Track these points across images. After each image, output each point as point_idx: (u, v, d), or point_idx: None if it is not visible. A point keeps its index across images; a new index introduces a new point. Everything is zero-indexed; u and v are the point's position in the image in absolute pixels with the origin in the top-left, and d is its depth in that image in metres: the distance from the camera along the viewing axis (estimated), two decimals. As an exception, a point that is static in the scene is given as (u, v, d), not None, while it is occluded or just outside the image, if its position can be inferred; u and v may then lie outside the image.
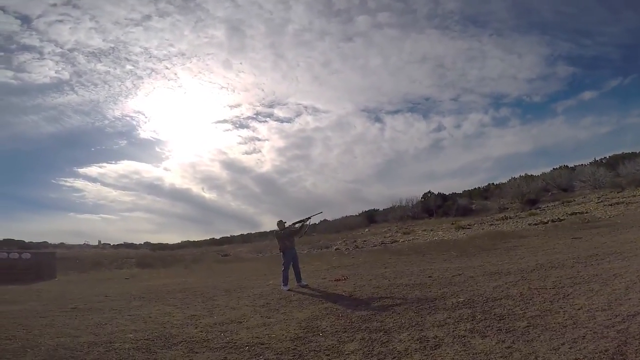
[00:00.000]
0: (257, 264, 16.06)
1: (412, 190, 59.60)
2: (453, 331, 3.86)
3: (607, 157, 30.07)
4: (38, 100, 46.21)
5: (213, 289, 8.24)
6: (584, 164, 31.27)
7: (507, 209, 24.81)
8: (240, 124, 57.29)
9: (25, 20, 44.44)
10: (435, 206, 26.76)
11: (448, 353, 3.35)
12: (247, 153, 54.29)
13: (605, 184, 24.64)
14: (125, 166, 51.36)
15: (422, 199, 28.17)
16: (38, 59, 42.27)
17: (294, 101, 54.08)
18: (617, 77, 43.33)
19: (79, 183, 48.85)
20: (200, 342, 4.26)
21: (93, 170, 49.94)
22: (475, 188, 32.55)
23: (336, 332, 4.27)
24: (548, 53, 43.86)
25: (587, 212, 16.02)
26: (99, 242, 38.22)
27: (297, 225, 8.18)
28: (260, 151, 54.08)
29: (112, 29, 49.39)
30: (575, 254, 7.42)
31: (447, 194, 29.13)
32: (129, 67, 49.20)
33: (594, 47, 44.20)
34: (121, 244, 37.94)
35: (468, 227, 18.95)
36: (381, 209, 31.93)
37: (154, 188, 54.73)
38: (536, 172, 30.47)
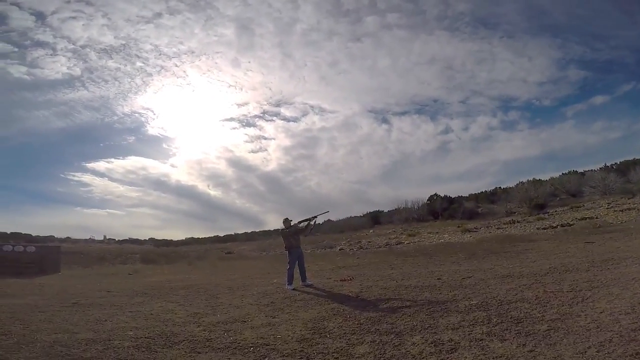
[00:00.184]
0: (261, 262, 15.92)
1: (417, 193, 59.34)
2: (469, 334, 3.68)
3: (618, 162, 29.61)
4: (49, 95, 46.99)
5: (216, 287, 8.10)
6: (593, 169, 30.86)
7: (515, 213, 24.50)
8: (247, 123, 57.49)
9: (40, 16, 45.09)
10: (441, 209, 26.51)
11: (466, 357, 3.17)
12: (253, 151, 54.41)
13: (615, 190, 24.24)
14: (132, 162, 51.96)
15: (428, 202, 27.94)
16: (51, 55, 42.87)
17: (300, 100, 54.16)
18: (630, 82, 42.75)
19: (86, 178, 49.52)
20: (203, 342, 4.10)
21: (101, 165, 50.64)
22: (482, 192, 32.33)
23: (344, 334, 4.08)
24: (560, 56, 43.37)
25: (597, 218, 15.70)
26: (104, 237, 38.48)
27: (303, 224, 8.02)
28: (266, 150, 54.18)
29: (124, 26, 49.86)
30: (589, 258, 7.20)
31: (453, 196, 28.84)
32: (139, 64, 49.77)
33: (607, 51, 43.55)
34: (126, 240, 38.15)
35: (475, 230, 18.70)
36: (386, 210, 31.77)
37: (160, 184, 55.15)
38: (544, 177, 30.15)
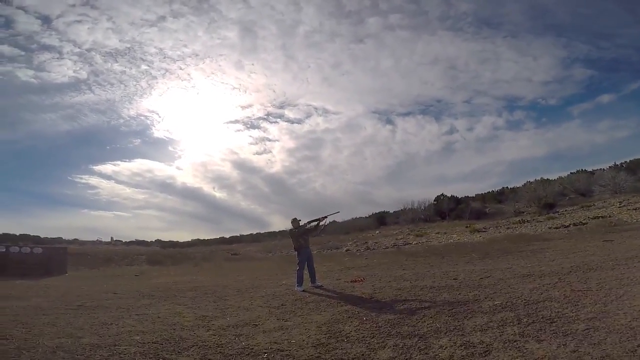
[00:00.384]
0: (268, 263, 15.72)
1: (422, 193, 58.96)
2: (500, 335, 3.45)
3: (628, 161, 29.09)
4: (56, 98, 47.24)
5: (224, 288, 7.90)
6: (602, 168, 30.37)
7: (523, 212, 24.11)
8: (251, 125, 57.43)
9: (46, 20, 45.30)
10: (448, 209, 26.16)
11: (502, 359, 2.94)
12: (257, 153, 54.34)
13: (626, 189, 23.79)
14: (138, 164, 52.15)
15: (435, 202, 27.59)
16: (57, 58, 43.15)
17: (304, 102, 53.96)
18: (637, 80, 42.08)
19: (93, 180, 49.82)
20: (214, 347, 3.87)
21: (107, 168, 50.86)
22: (489, 191, 31.91)
23: (363, 337, 3.85)
24: (564, 55, 42.83)
25: (610, 216, 15.33)
26: (112, 238, 38.49)
27: (312, 224, 7.80)
28: (270, 152, 54.07)
29: (128, 29, 50.27)
30: (611, 256, 6.92)
31: (460, 197, 28.48)
32: (144, 67, 49.82)
33: (613, 50, 43.01)
34: (133, 241, 38.10)
35: (484, 230, 18.35)
36: (391, 211, 31.44)
37: (166, 186, 55.30)
38: (552, 177, 29.65)
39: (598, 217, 15.42)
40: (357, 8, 50.50)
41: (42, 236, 34.46)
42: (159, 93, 53.49)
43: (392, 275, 7.87)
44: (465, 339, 3.47)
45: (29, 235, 33.92)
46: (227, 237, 39.21)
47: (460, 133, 50.08)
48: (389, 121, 52.49)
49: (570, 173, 31.55)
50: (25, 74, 42.11)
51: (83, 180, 49.86)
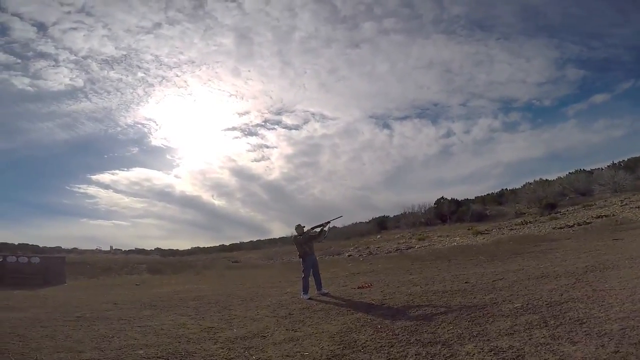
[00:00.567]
0: (269, 270, 15.47)
1: (421, 197, 58.84)
2: (529, 339, 3.26)
3: (626, 159, 29.13)
4: (53, 107, 46.97)
5: (228, 297, 7.66)
6: (600, 167, 30.41)
7: (525, 213, 24.02)
8: (249, 132, 57.24)
9: (41, 27, 45.09)
10: (449, 212, 25.98)
11: (539, 364, 2.76)
12: (255, 160, 54.16)
13: (626, 187, 23.78)
14: (137, 173, 51.84)
15: (435, 205, 27.43)
16: (53, 66, 42.86)
17: (301, 108, 53.87)
18: (629, 80, 42.47)
19: (92, 190, 49.46)
20: (223, 361, 3.66)
21: (106, 177, 50.66)
22: (489, 194, 31.78)
23: (381, 347, 3.64)
24: (557, 56, 43.19)
25: (614, 215, 15.25)
26: (111, 247, 37.93)
27: (316, 230, 7.63)
28: (268, 158, 53.89)
29: (124, 36, 50.04)
30: (626, 254, 6.78)
31: (460, 199, 28.33)
32: (140, 74, 49.56)
33: (604, 50, 43.36)
34: (132, 250, 37.63)
35: (486, 232, 18.23)
36: (392, 215, 31.25)
37: (165, 195, 54.97)
38: (549, 177, 29.63)
39: (601, 217, 15.34)
40: (352, 13, 50.92)
41: (40, 245, 34.11)
42: (155, 101, 53.33)
43: (400, 280, 7.68)
44: (492, 344, 3.28)
45: (28, 244, 33.57)
46: (227, 244, 38.86)
47: (457, 136, 50.17)
48: (386, 125, 52.54)
49: (569, 173, 31.54)
50: (21, 82, 41.86)
51: (81, 190, 49.59)
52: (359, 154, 55.45)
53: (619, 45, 42.23)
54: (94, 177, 54.02)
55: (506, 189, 31.51)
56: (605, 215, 15.39)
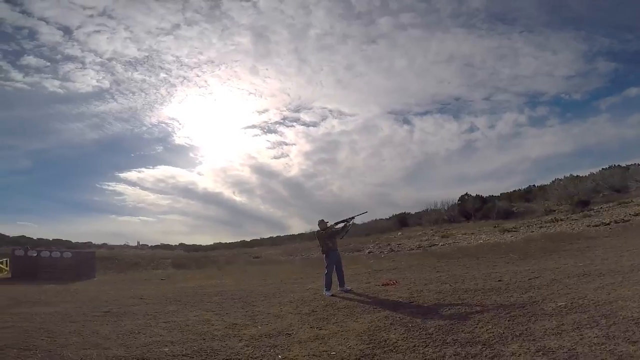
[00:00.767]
0: (290, 266, 15.41)
1: (443, 194, 57.41)
2: (580, 339, 3.00)
3: (665, 154, 27.32)
4: (82, 108, 48.75)
5: (251, 293, 7.62)
6: (636, 163, 28.65)
7: (555, 211, 22.93)
8: (268, 129, 57.37)
9: (67, 31, 46.68)
10: (474, 209, 25.15)
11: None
12: (275, 157, 54.32)
13: (665, 183, 22.31)
14: (162, 171, 53.25)
15: (459, 202, 26.62)
16: (80, 68, 44.32)
17: (319, 105, 53.50)
18: (666, 73, 39.72)
19: (120, 187, 51.33)
20: (249, 360, 3.54)
21: (133, 175, 52.17)
22: (515, 190, 30.57)
23: (414, 347, 3.44)
24: (586, 49, 40.80)
25: (655, 212, 14.26)
26: (138, 243, 39.08)
27: (339, 225, 7.47)
28: (288, 155, 53.96)
29: (145, 38, 51.13)
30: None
31: (485, 196, 27.37)
32: (162, 75, 50.61)
33: (636, 42, 40.73)
34: (158, 245, 38.47)
35: (514, 230, 17.46)
36: (413, 212, 30.59)
37: (188, 192, 56.12)
38: (581, 173, 28.15)
39: (641, 214, 14.36)
40: (367, 9, 49.83)
41: (73, 241, 35.50)
42: (178, 100, 54.35)
43: (427, 278, 7.39)
44: (538, 344, 3.02)
45: (62, 240, 35.09)
46: (248, 240, 39.20)
47: (481, 131, 48.30)
48: (406, 121, 51.32)
49: (602, 169, 29.96)
50: (52, 85, 43.61)
51: (110, 187, 51.42)
52: (378, 150, 54.60)
53: (654, 37, 39.65)
54: (122, 175, 55.90)
55: (534, 185, 30.29)
56: (645, 212, 14.41)
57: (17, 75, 40.98)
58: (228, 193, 56.79)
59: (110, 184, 53.17)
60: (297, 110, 52.23)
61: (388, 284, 7.21)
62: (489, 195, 28.10)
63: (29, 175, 52.09)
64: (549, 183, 29.11)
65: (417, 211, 30.12)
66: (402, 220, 29.27)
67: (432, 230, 23.40)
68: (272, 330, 4.55)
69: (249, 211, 55.37)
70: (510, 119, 46.00)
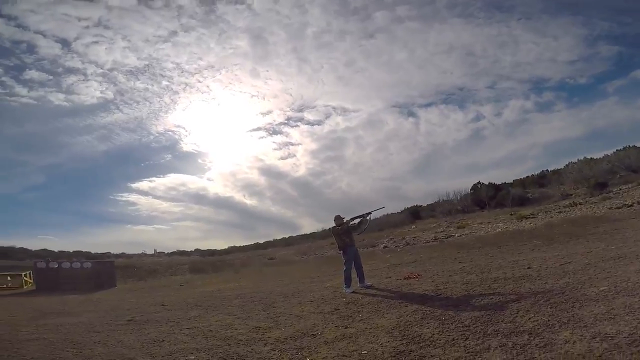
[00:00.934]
0: (305, 265, 15.32)
1: (454, 184, 56.93)
2: (638, 323, 2.77)
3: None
4: (89, 120, 49.64)
5: (270, 294, 7.50)
6: (651, 143, 27.82)
7: (572, 195, 22.38)
8: (273, 131, 57.47)
9: (65, 43, 47.15)
10: (487, 197, 24.70)
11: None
12: (282, 158, 54.49)
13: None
14: (172, 179, 54.01)
15: (472, 191, 26.17)
16: (83, 80, 44.75)
17: (322, 103, 53.47)
18: (671, 53, 38.67)
19: (133, 197, 52.22)
20: (278, 364, 3.40)
21: (144, 184, 53.07)
22: (528, 176, 29.98)
23: (453, 340, 3.25)
24: (586, 33, 40.19)
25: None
26: (155, 250, 39.56)
27: (356, 221, 7.29)
28: (294, 155, 54.04)
29: (144, 46, 51.50)
30: None
31: (498, 183, 26.86)
32: (164, 82, 50.98)
33: (636, 25, 39.84)
34: (174, 252, 39.01)
35: (532, 216, 17.06)
36: (425, 204, 30.23)
37: (199, 198, 56.71)
38: (595, 155, 27.53)
39: (665, 192, 13.88)
40: (362, 4, 49.40)
41: (92, 252, 36.36)
42: (182, 107, 54.82)
43: (450, 269, 7.18)
44: (593, 330, 2.81)
45: (82, 251, 35.95)
46: (261, 242, 39.33)
47: (488, 119, 47.79)
48: (411, 113, 50.93)
49: (617, 150, 29.21)
50: (57, 98, 44.12)
51: (123, 198, 52.36)
52: (385, 145, 54.33)
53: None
54: (134, 185, 56.92)
55: (547, 170, 29.68)
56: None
57: (21, 90, 41.77)
58: (239, 197, 57.17)
59: (123, 194, 54.41)
60: (301, 109, 52.23)
61: (410, 277, 7.02)
62: (502, 183, 27.60)
63: (44, 191, 53.46)
64: (562, 167, 28.49)
65: (429, 203, 29.80)
66: (415, 213, 28.92)
67: (446, 221, 23.05)
68: (296, 332, 4.41)
69: (260, 213, 55.67)
70: (516, 106, 45.41)
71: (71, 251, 35.43)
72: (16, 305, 9.38)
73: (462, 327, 3.54)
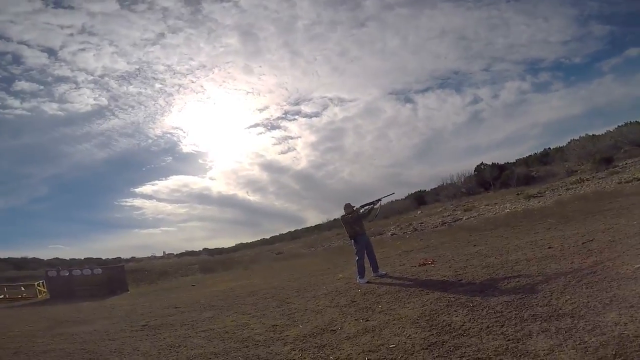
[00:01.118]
0: (314, 258, 15.21)
1: (458, 167, 56.77)
2: None
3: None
4: (86, 128, 48.98)
5: (282, 290, 7.36)
6: (654, 117, 27.55)
7: (577, 171, 22.17)
8: (271, 126, 57.14)
9: (51, 52, 46.21)
10: (492, 178, 24.48)
11: None
12: (282, 153, 54.20)
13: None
14: (174, 181, 53.85)
15: (475, 172, 25.94)
16: (75, 88, 44.01)
17: (318, 95, 52.95)
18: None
19: (137, 202, 52.57)
20: (302, 364, 3.23)
21: (147, 188, 52.85)
22: (531, 155, 29.70)
23: (488, 328, 3.08)
24: (576, 13, 39.95)
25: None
26: (164, 252, 39.62)
27: (366, 208, 7.10)
28: (294, 149, 53.74)
29: (132, 50, 50.21)
30: None
31: (501, 163, 26.62)
32: (157, 85, 50.41)
33: (626, 4, 39.40)
34: (183, 253, 39.13)
35: (539, 195, 16.87)
36: (428, 189, 30.08)
37: (203, 198, 56.68)
38: (597, 132, 27.35)
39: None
40: (350, -8, 48.56)
41: (103, 258, 36.54)
42: (177, 109, 54.17)
43: (466, 253, 7.01)
44: (641, 310, 2.62)
45: (92, 258, 36.13)
46: (268, 237, 39.30)
47: (486, 101, 47.42)
48: (408, 100, 50.43)
49: (619, 125, 28.93)
50: (50, 108, 43.31)
51: (128, 203, 52.76)
52: (384, 132, 53.91)
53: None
54: (137, 190, 56.55)
55: (550, 148, 29.41)
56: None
57: (14, 102, 41.07)
58: (242, 194, 57.08)
59: (127, 200, 54.57)
60: (297, 103, 51.71)
61: (425, 264, 6.86)
62: (506, 162, 27.38)
63: (49, 202, 53.50)
64: (565, 144, 28.26)
65: (433, 187, 29.67)
66: (419, 199, 28.77)
67: (452, 205, 22.89)
68: (314, 328, 4.23)
69: (265, 209, 55.64)
70: (513, 87, 45.10)
71: (82, 258, 35.77)
72: (31, 314, 9.30)
73: (495, 313, 3.36)
